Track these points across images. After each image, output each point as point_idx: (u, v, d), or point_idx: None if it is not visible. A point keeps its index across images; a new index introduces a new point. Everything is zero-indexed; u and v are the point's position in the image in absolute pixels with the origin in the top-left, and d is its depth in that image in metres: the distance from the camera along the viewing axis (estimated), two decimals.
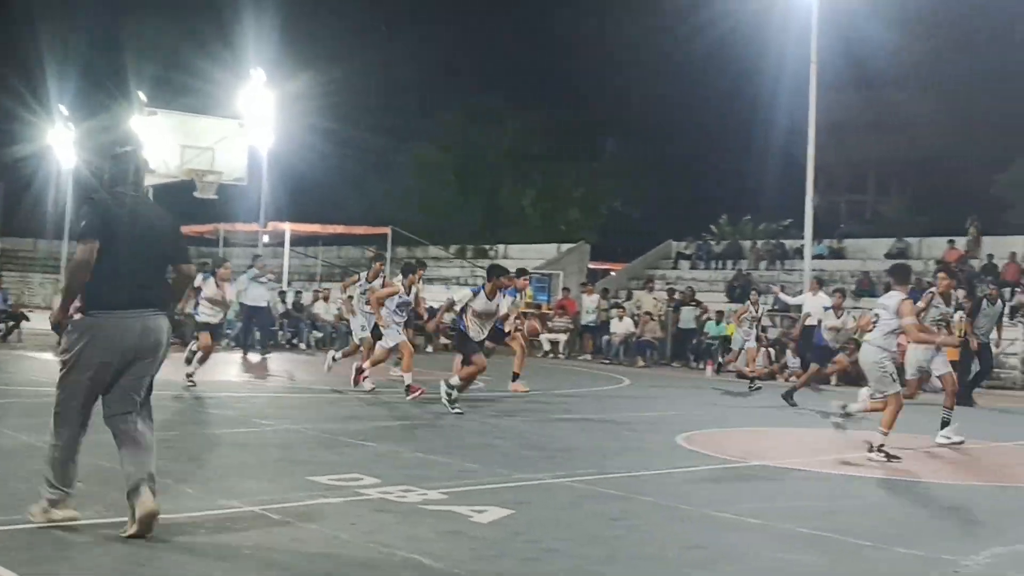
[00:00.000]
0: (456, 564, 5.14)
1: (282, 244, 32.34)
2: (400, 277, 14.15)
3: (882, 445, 9.32)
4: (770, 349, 21.96)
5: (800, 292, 20.91)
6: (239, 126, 24.03)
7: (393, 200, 42.58)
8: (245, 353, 20.49)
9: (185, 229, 29.12)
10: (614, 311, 25.83)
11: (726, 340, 23.46)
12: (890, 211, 47.17)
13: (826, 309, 16.08)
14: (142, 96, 26.89)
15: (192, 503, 6.19)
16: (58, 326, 5.54)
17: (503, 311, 13.05)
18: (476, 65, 44.94)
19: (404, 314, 13.62)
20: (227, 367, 17.30)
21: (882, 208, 52.34)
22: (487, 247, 36.83)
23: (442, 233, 37.98)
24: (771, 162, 37.30)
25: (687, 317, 24.73)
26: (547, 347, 26.01)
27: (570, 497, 7.13)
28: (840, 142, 46.28)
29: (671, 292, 26.85)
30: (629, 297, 28.04)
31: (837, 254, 29.31)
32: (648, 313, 25.48)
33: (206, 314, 14.05)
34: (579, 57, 44.45)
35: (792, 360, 20.57)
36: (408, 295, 13.52)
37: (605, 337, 25.26)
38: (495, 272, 12.08)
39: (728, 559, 5.63)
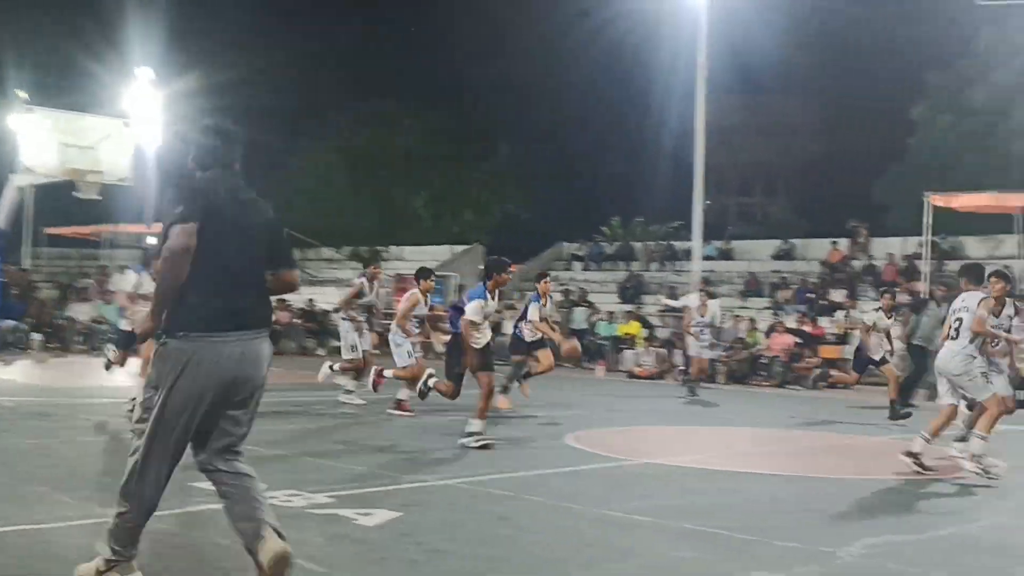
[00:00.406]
0: (340, 568, 5.08)
1: None
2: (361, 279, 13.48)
3: (981, 455, 8.83)
4: (660, 350, 22.31)
5: (688, 293, 21.28)
6: (124, 125, 23.38)
7: (285, 201, 41.93)
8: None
9: (66, 231, 28.06)
10: (507, 312, 25.88)
11: (617, 340, 23.75)
12: (776, 213, 48.37)
13: (876, 311, 14.72)
14: (21, 94, 25.99)
15: (68, 512, 5.99)
16: (144, 336, 4.50)
17: (532, 314, 12.52)
18: (369, 66, 44.70)
19: (419, 327, 12.50)
20: (114, 373, 16.80)
21: (769, 210, 53.64)
22: (381, 249, 36.60)
23: (335, 235, 37.61)
24: (662, 165, 37.95)
25: (579, 318, 24.96)
26: (441, 349, 25.92)
27: (459, 499, 7.12)
28: (730, 146, 47.36)
29: (565, 293, 27.07)
30: (523, 298, 28.14)
31: (726, 255, 29.93)
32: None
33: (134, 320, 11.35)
34: (473, 61, 44.63)
35: (680, 359, 20.92)
36: (425, 305, 12.47)
37: (498, 338, 25.26)
38: (495, 268, 10.25)
39: (617, 557, 5.69)
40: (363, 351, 13.13)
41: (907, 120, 36.89)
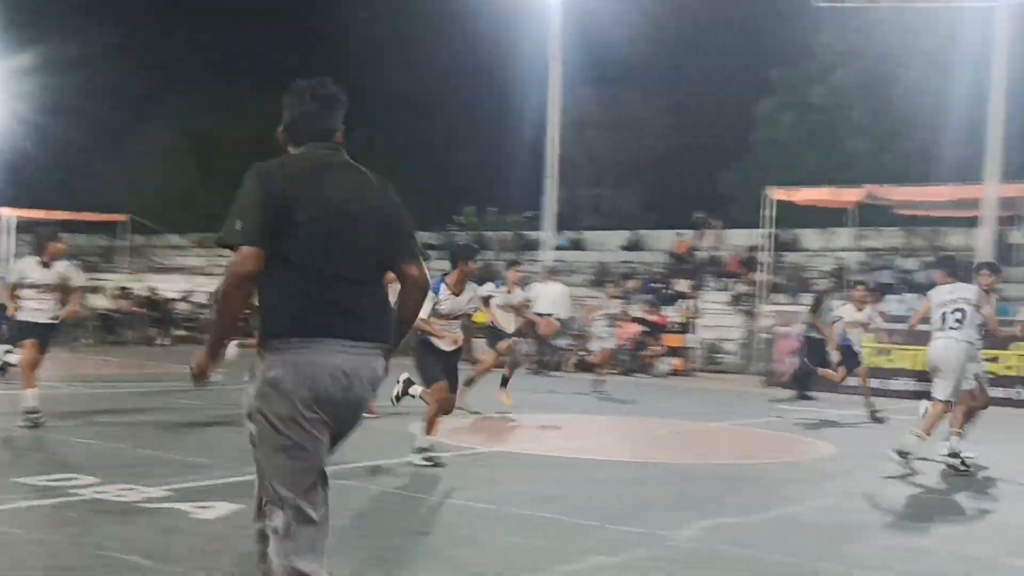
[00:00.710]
0: (173, 562, 4.95)
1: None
2: None
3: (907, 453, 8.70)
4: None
5: (533, 283, 21.46)
6: None
7: (130, 186, 40.65)
8: None
9: None
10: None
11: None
12: (626, 205, 49.34)
13: (845, 304, 14.07)
14: None
15: None
16: (201, 376, 3.65)
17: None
18: (218, 47, 43.51)
19: None
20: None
21: (620, 202, 54.59)
22: None
23: (182, 221, 36.61)
24: (518, 155, 38.14)
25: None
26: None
27: None
28: (584, 138, 47.93)
29: None
30: None
31: (577, 245, 30.38)
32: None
33: (31, 310, 9.66)
34: (328, 45, 43.89)
35: (529, 348, 21.12)
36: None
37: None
38: (461, 254, 9.11)
39: (456, 545, 5.71)
40: None
41: (752, 116, 38.08)
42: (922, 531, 6.79)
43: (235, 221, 3.41)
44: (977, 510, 7.65)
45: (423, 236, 33.37)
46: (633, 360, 20.85)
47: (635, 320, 21.58)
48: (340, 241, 3.50)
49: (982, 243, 20.75)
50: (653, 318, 21.67)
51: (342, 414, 3.53)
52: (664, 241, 28.57)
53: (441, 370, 8.28)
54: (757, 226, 24.59)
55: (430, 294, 7.92)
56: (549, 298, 17.59)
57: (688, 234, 27.78)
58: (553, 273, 18.87)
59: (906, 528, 6.90)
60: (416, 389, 8.75)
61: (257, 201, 3.42)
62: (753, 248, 25.30)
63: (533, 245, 29.59)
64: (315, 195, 3.50)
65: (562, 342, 20.68)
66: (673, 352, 21.23)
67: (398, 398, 8.98)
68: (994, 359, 15.90)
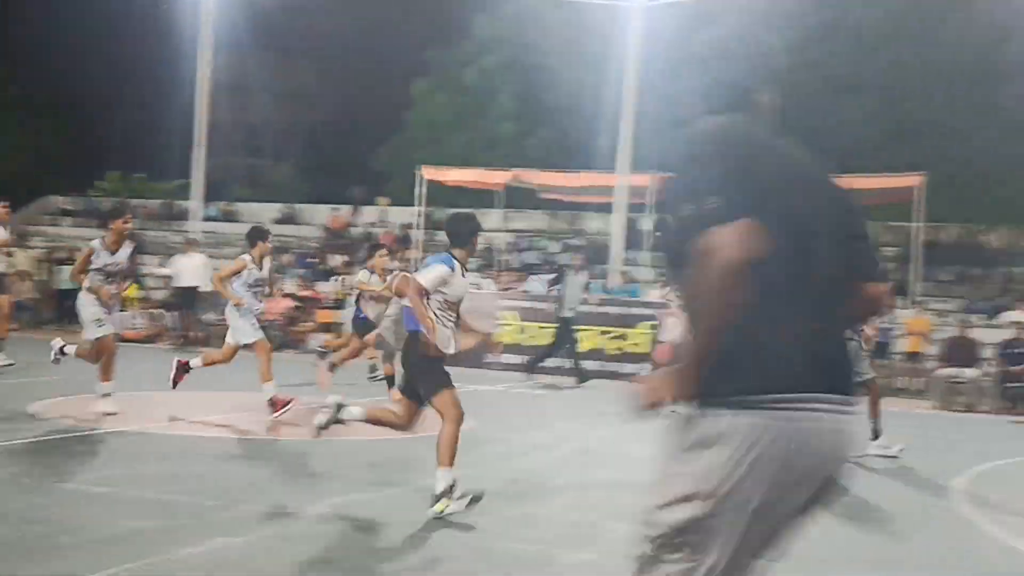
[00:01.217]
0: None
1: None
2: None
3: None
4: (155, 310, 21.57)
5: (177, 255, 20.64)
6: None
7: None
8: None
9: None
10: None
11: None
12: (283, 177, 48.58)
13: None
14: None
15: None
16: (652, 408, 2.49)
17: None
18: None
19: (261, 298, 10.29)
20: None
21: (276, 174, 53.74)
22: None
23: None
24: (171, 120, 36.49)
25: (64, 278, 23.36)
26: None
27: None
28: (241, 105, 46.65)
29: (50, 251, 25.25)
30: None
31: (229, 216, 29.54)
32: (25, 272, 23.62)
33: None
34: None
35: (173, 322, 20.40)
36: (260, 269, 10.24)
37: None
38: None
39: (71, 531, 5.39)
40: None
41: (408, 94, 38.55)
42: (538, 501, 7.18)
43: (704, 199, 2.40)
44: (593, 482, 8.20)
45: (60, 201, 31.20)
46: (284, 335, 20.59)
47: (287, 295, 21.35)
48: (828, 256, 2.48)
49: (616, 228, 22.32)
50: (306, 293, 21.52)
51: (830, 486, 2.57)
52: (320, 215, 28.44)
53: (445, 379, 6.46)
54: (411, 203, 25.05)
55: (444, 269, 6.32)
56: (191, 270, 17.00)
57: (344, 209, 27.80)
58: (195, 244, 18.25)
59: (524, 498, 7.22)
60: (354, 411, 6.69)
61: (736, 165, 2.45)
62: (408, 226, 25.73)
63: (182, 215, 28.48)
64: (800, 189, 2.50)
65: (210, 316, 20.03)
66: (326, 328, 21.15)
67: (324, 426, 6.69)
68: (622, 336, 17.19)
